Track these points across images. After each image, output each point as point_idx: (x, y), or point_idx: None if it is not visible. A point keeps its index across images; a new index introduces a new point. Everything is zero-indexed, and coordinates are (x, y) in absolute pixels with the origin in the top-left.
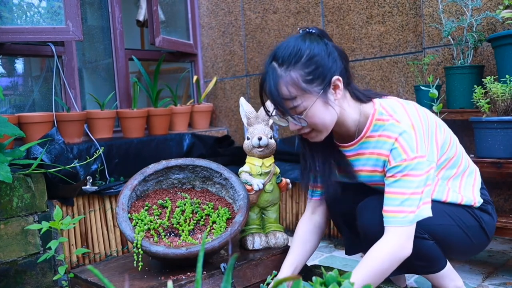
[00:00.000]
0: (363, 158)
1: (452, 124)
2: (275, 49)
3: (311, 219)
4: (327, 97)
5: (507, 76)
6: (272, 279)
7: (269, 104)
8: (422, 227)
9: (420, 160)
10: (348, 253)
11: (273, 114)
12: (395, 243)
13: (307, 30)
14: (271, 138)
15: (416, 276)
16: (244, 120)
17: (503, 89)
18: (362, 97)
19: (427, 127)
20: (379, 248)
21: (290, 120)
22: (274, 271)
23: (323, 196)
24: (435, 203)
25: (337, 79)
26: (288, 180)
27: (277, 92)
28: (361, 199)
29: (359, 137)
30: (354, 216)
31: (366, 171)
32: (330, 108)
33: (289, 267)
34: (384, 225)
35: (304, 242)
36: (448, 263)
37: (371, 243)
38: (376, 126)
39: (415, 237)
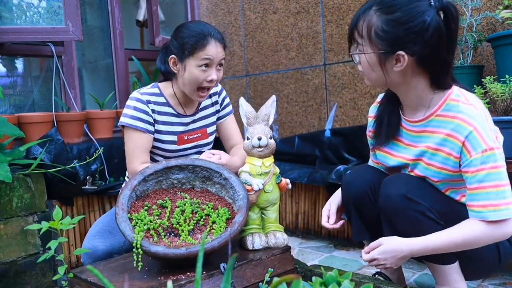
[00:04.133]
0: (430, 136)
1: None
2: None
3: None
4: (385, 60)
5: (506, 76)
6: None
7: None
8: (441, 215)
9: (500, 151)
10: (356, 238)
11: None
12: (505, 232)
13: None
14: (270, 138)
15: (417, 275)
16: (244, 120)
17: (503, 89)
18: (441, 85)
19: (493, 125)
20: (483, 229)
21: (351, 49)
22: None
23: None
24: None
25: (401, 55)
26: (288, 180)
27: (355, 22)
28: (377, 185)
29: (428, 114)
30: (365, 202)
31: (430, 149)
32: (382, 70)
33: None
34: (483, 219)
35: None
36: (457, 264)
37: (388, 216)
38: (448, 106)
39: (432, 219)
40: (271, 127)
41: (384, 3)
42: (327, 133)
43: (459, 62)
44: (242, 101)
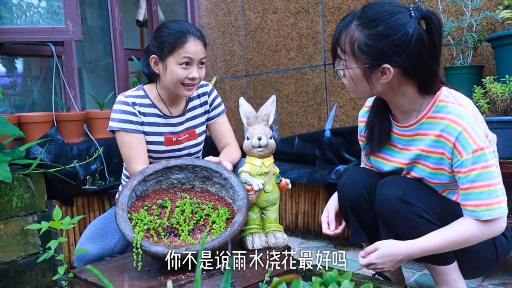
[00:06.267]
0: (422, 139)
1: None
2: (369, 5)
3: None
4: (370, 73)
5: (506, 76)
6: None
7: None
8: (437, 216)
9: (490, 150)
10: (354, 240)
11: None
12: (498, 230)
13: (412, 9)
14: (270, 138)
15: (417, 275)
16: (244, 120)
17: (503, 89)
18: (430, 90)
19: (484, 124)
20: (477, 228)
21: (335, 64)
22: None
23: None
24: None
25: (387, 68)
26: (288, 180)
27: (337, 37)
28: (373, 186)
29: (419, 117)
30: (362, 204)
31: (423, 151)
32: (368, 83)
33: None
34: (476, 218)
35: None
36: (456, 264)
37: (385, 218)
38: (438, 107)
39: (428, 221)
40: (271, 127)
41: (365, 17)
42: (327, 133)
43: (459, 62)
44: (242, 101)
